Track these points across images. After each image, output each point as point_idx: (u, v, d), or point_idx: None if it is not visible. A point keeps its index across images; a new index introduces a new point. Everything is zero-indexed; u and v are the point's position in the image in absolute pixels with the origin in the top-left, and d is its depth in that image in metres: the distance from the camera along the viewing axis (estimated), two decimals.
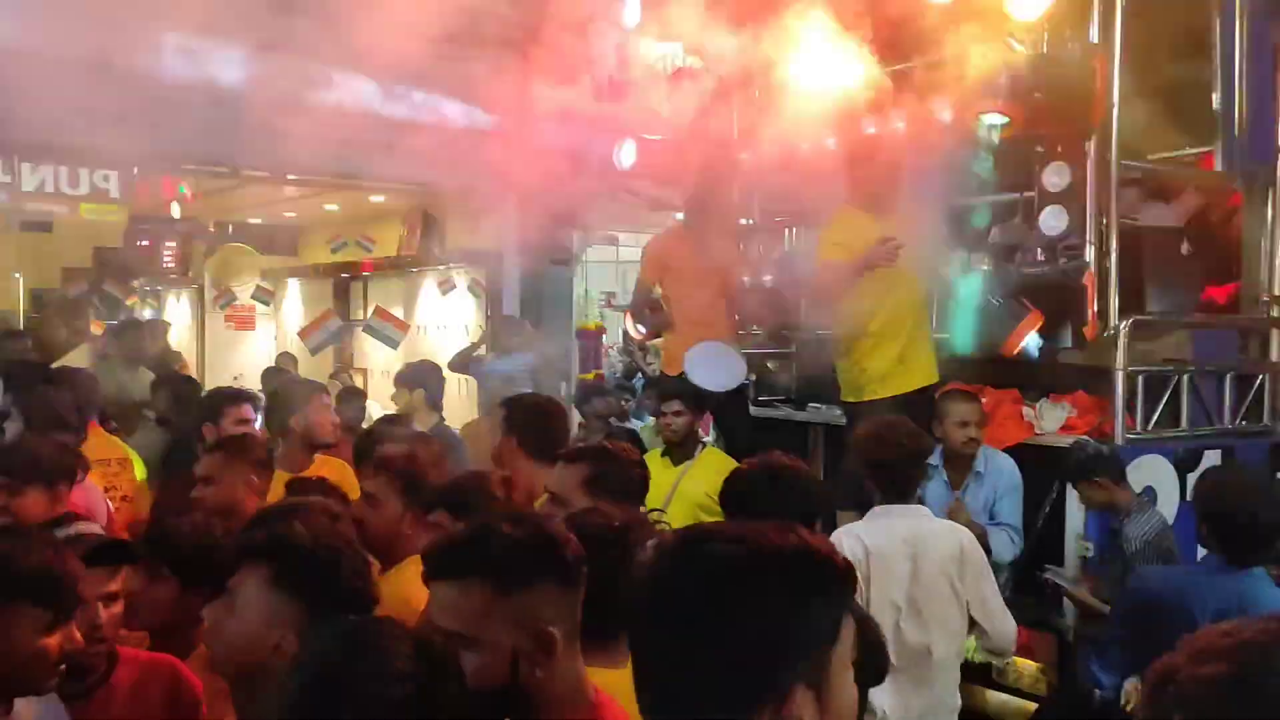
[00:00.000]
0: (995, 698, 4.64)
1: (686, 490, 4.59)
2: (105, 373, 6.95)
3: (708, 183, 5.64)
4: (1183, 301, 5.08)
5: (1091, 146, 4.45)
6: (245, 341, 11.60)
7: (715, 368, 5.37)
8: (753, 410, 6.19)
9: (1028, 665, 4.55)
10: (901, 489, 3.40)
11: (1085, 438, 4.36)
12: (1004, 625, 3.38)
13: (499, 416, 3.41)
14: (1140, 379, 4.64)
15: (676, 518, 4.34)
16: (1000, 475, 4.36)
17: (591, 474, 2.51)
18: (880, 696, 3.15)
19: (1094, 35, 4.46)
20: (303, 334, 7.69)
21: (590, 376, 8.73)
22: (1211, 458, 4.85)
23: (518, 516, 1.85)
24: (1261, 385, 5.17)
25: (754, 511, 2.57)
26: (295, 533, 1.87)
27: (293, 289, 11.57)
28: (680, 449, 4.78)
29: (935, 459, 4.43)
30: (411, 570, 2.69)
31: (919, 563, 3.28)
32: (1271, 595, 2.77)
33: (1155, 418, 4.71)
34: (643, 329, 5.89)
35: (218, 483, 3.25)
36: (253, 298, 10.67)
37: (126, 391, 6.19)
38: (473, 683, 1.57)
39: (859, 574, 3.25)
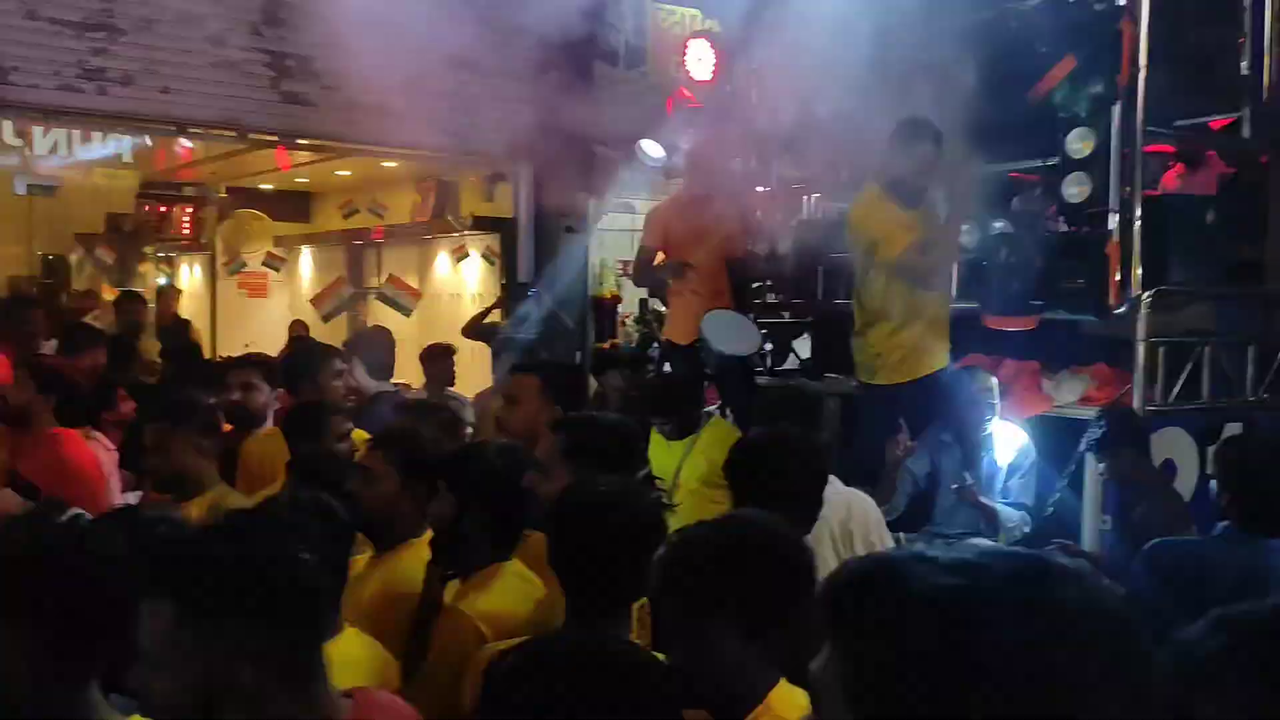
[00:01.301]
0: None
1: (694, 463, 4.54)
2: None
3: (712, 147, 5.56)
4: (1208, 272, 4.99)
5: (1116, 112, 4.34)
6: (259, 309, 11.57)
7: (730, 335, 5.32)
8: (767, 380, 6.15)
9: None
10: None
11: (1112, 406, 4.29)
12: None
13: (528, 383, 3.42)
14: (1161, 350, 4.56)
15: (684, 490, 4.32)
16: (1019, 451, 4.30)
17: (570, 444, 2.46)
18: None
19: None
20: (315, 301, 7.66)
21: (606, 346, 8.67)
22: (1233, 430, 4.78)
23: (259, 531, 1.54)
24: None
25: (759, 482, 2.52)
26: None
27: (305, 256, 11.52)
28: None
29: (947, 435, 4.39)
30: (408, 554, 2.66)
31: (818, 529, 3.20)
32: None
33: (1176, 390, 4.64)
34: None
35: (163, 452, 3.20)
36: (264, 264, 10.63)
37: None
38: (159, 716, 1.45)
39: None
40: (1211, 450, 4.58)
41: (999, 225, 4.70)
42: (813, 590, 1.64)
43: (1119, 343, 4.70)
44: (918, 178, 4.41)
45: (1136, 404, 4.48)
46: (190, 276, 13.35)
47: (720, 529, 1.80)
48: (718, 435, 4.58)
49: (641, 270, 5.84)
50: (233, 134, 7.39)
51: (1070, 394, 4.67)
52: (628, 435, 2.55)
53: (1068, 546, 4.21)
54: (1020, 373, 4.90)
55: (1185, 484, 4.60)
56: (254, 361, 4.67)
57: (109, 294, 11.27)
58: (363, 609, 2.52)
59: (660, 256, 5.62)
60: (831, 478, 3.41)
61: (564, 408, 3.32)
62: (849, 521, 3.28)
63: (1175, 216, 4.79)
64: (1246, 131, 4.90)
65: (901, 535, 4.50)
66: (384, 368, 6.11)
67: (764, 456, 2.62)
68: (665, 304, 5.88)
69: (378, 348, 6.24)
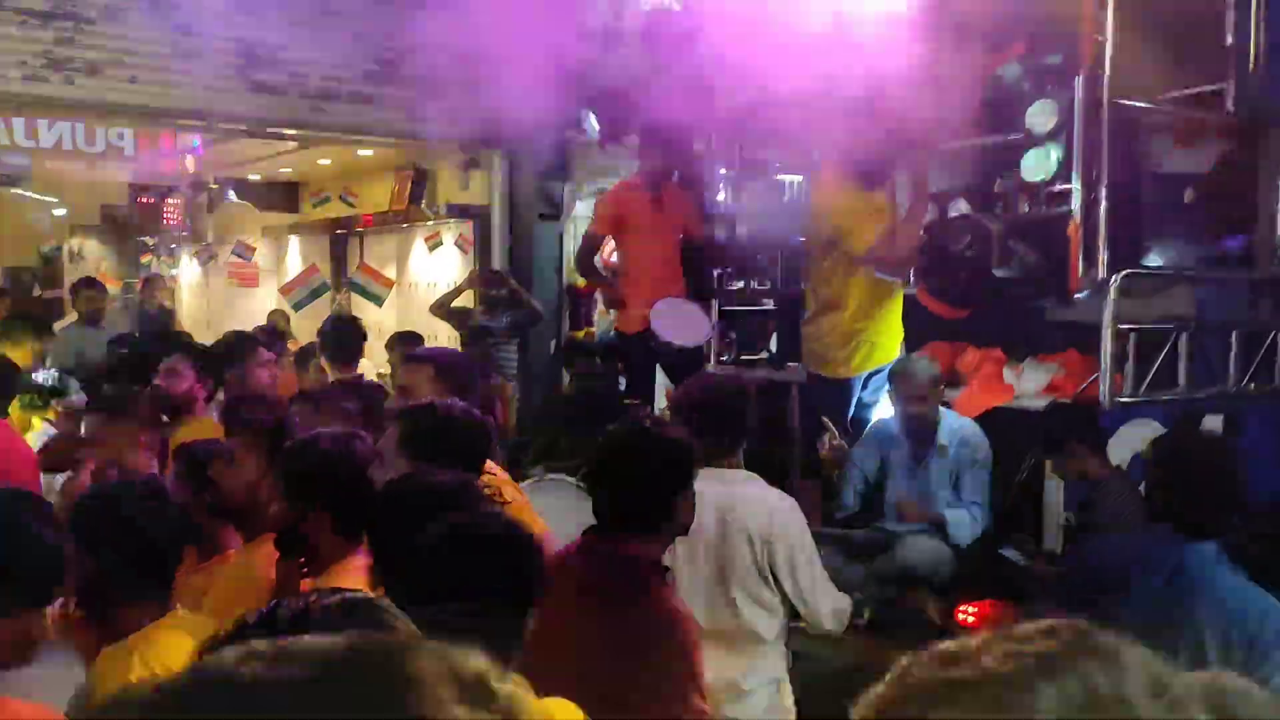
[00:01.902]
0: None
1: None
2: (70, 334, 6.87)
3: (667, 131, 5.34)
4: (1189, 254, 4.70)
5: (1080, 83, 4.06)
6: (249, 298, 11.47)
7: (682, 324, 5.14)
8: (729, 369, 5.92)
9: None
10: (718, 443, 3.13)
11: (1060, 400, 4.04)
12: (818, 604, 3.07)
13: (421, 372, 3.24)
14: (1132, 337, 4.27)
15: None
16: (965, 446, 4.06)
17: (408, 434, 2.27)
18: None
19: None
20: (284, 290, 7.50)
21: (580, 335, 8.48)
22: (1212, 422, 4.51)
23: None
24: (1274, 344, 4.78)
25: (618, 477, 2.31)
26: None
27: (293, 245, 11.41)
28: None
29: (897, 429, 4.15)
30: (267, 548, 2.49)
31: (727, 530, 3.03)
32: (1222, 572, 2.47)
33: (1149, 379, 4.35)
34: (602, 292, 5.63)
35: (101, 444, 3.08)
36: (233, 254, 10.52)
37: (84, 353, 6.05)
38: None
39: None
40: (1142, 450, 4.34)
41: (958, 205, 4.45)
42: None
43: (1092, 329, 4.43)
44: (878, 158, 4.18)
45: (1103, 394, 4.20)
46: (188, 267, 13.33)
47: None
48: None
49: (584, 260, 5.64)
50: (201, 123, 7.25)
51: (1033, 383, 4.41)
52: (472, 429, 2.35)
53: (1024, 545, 3.99)
54: (983, 361, 4.64)
55: None
56: (182, 349, 4.54)
57: (110, 284, 11.25)
58: (223, 599, 2.44)
59: (610, 245, 5.43)
60: (751, 476, 3.21)
61: (460, 397, 3.12)
62: (771, 533, 3.07)
63: (1151, 195, 4.51)
64: (1230, 105, 4.59)
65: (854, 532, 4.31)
66: (350, 355, 6.01)
67: (617, 453, 2.39)
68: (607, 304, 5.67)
69: (345, 337, 6.12)
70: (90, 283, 7.67)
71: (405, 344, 6.66)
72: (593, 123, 5.66)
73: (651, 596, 2.18)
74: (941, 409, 4.19)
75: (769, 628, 3.07)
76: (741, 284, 6.14)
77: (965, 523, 3.98)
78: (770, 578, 3.07)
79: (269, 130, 7.50)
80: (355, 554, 2.31)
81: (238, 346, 4.42)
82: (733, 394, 3.15)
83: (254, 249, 10.34)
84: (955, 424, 4.13)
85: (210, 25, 6.87)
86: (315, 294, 7.44)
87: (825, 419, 4.07)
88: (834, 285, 4.26)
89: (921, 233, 4.21)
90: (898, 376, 4.11)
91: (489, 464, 2.97)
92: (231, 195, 10.65)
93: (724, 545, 3.08)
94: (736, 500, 3.10)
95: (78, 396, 5.36)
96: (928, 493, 4.14)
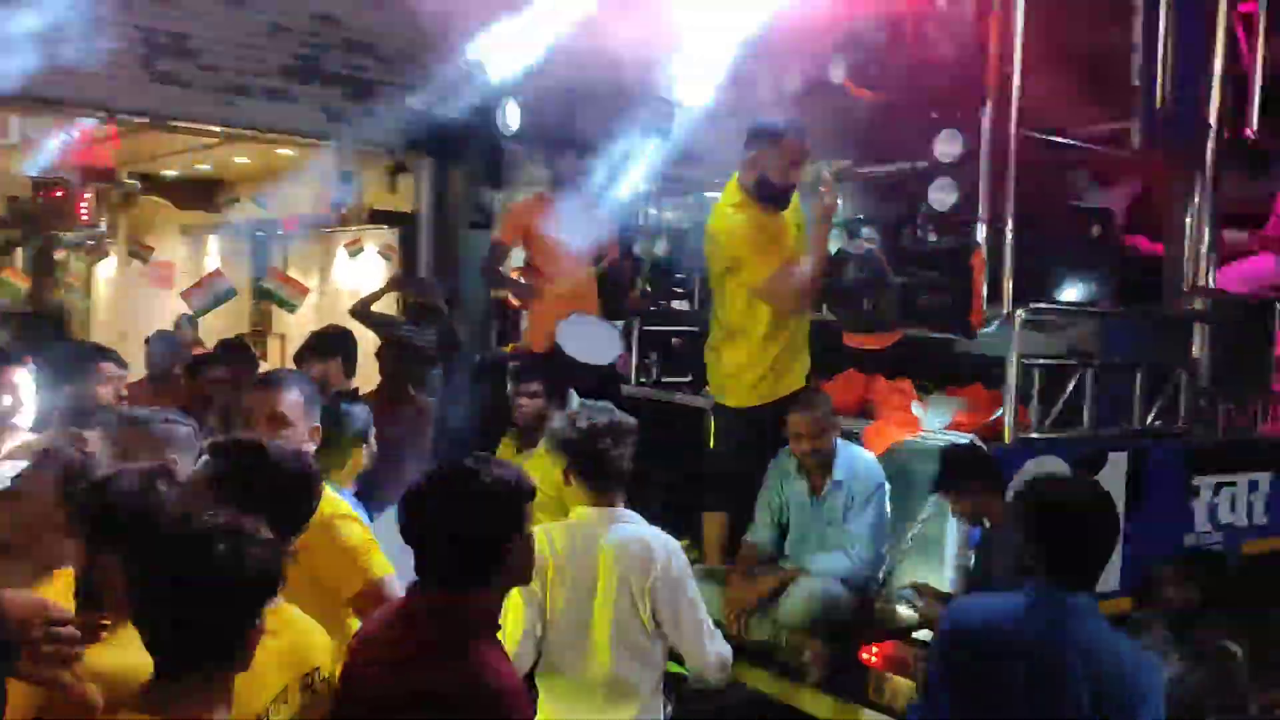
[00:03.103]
0: (871, 717, 4.28)
1: None
2: None
3: (578, 144, 5.22)
4: (1098, 288, 4.68)
5: (986, 114, 4.01)
6: (166, 299, 11.08)
7: (590, 342, 4.98)
8: (649, 394, 5.80)
9: (904, 683, 4.18)
10: (596, 483, 3.02)
11: (958, 437, 3.98)
12: (701, 651, 2.96)
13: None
14: (1037, 372, 4.23)
15: None
16: (857, 480, 3.97)
17: (213, 475, 2.09)
18: None
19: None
20: (186, 295, 7.20)
21: (509, 349, 8.28)
22: (1117, 460, 4.48)
23: None
24: (1178, 382, 4.78)
25: (437, 524, 2.14)
26: None
27: (213, 246, 11.07)
28: (529, 435, 4.39)
29: (792, 466, 4.07)
30: (51, 588, 2.25)
31: (603, 574, 2.91)
32: (1099, 627, 2.40)
33: (1054, 415, 4.31)
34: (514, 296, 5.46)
35: None
36: (130, 254, 10.15)
37: None
38: None
39: (540, 581, 2.88)
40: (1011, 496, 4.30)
41: (864, 234, 4.38)
42: None
43: (998, 364, 4.38)
44: (781, 179, 4.09)
45: (1007, 431, 4.16)
46: (107, 266, 12.88)
47: None
48: (542, 460, 4.28)
49: (490, 269, 5.46)
50: (102, 115, 6.96)
51: (939, 418, 4.34)
52: (293, 476, 2.15)
53: (921, 588, 3.90)
54: (891, 393, 4.57)
55: None
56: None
57: (17, 279, 10.79)
58: None
59: (515, 256, 5.28)
60: (631, 516, 3.08)
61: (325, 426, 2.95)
62: (652, 577, 2.93)
63: (1059, 229, 4.48)
64: (1136, 141, 4.58)
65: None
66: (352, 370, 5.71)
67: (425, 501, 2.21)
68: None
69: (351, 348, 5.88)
70: None
71: (316, 354, 6.43)
72: (509, 116, 5.47)
73: (471, 658, 2.01)
74: (840, 442, 4.10)
75: (647, 680, 2.93)
76: (661, 304, 6.07)
77: (836, 568, 3.89)
78: (651, 625, 2.94)
79: (172, 125, 7.20)
80: None
81: (73, 360, 4.05)
82: (609, 431, 3.02)
83: (151, 249, 9.97)
84: (850, 457, 4.04)
85: (112, 11, 6.62)
86: (220, 299, 7.17)
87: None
88: (735, 312, 4.14)
89: (821, 268, 4.09)
90: (788, 412, 4.01)
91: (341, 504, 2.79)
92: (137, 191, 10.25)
93: (601, 595, 2.94)
94: (615, 543, 2.97)
95: None
96: (823, 529, 4.05)
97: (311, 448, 2.95)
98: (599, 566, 2.95)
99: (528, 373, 4.51)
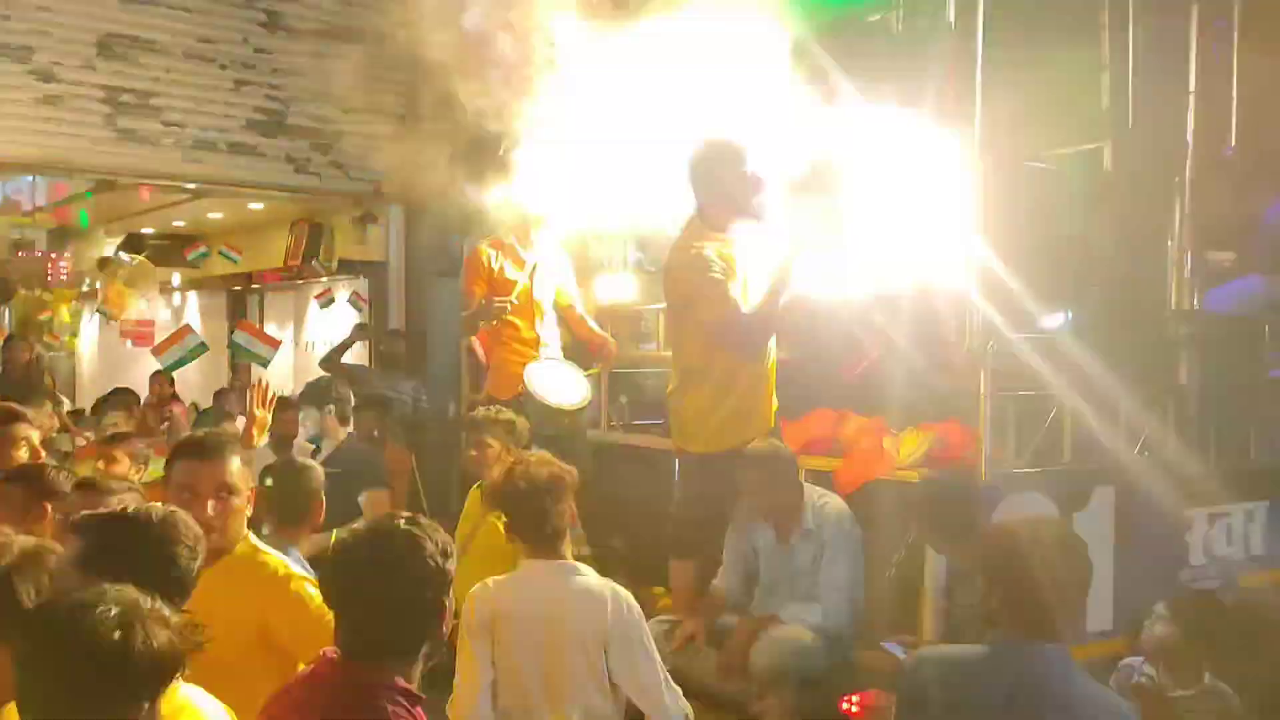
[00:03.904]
0: None
1: (487, 533, 4.03)
2: None
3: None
4: (1073, 316, 4.52)
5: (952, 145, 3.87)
6: (143, 359, 10.95)
7: (558, 384, 4.85)
8: (619, 437, 5.63)
9: None
10: (540, 537, 2.87)
11: (939, 473, 3.79)
12: (659, 705, 2.81)
13: None
14: (1012, 406, 4.06)
15: (476, 560, 3.82)
16: (828, 528, 3.78)
17: (84, 552, 1.91)
18: None
19: (951, 17, 3.89)
20: (156, 351, 7.07)
21: (481, 395, 8.13)
22: (1104, 494, 4.29)
23: None
24: (1165, 410, 4.60)
25: (361, 594, 1.95)
26: None
27: (192, 301, 10.96)
28: None
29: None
30: None
31: (554, 629, 2.76)
32: (1073, 675, 2.20)
33: (1032, 449, 4.13)
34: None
35: None
36: (98, 311, 10.04)
37: None
38: None
39: (486, 639, 2.73)
40: (1081, 518, 4.09)
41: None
42: None
43: (972, 397, 4.20)
44: (742, 192, 3.91)
45: (983, 465, 3.97)
46: (89, 325, 12.78)
47: None
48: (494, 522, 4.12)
49: (470, 320, 5.35)
50: (63, 172, 6.87)
51: (912, 454, 4.15)
52: (166, 544, 1.97)
53: (902, 640, 3.70)
54: (863, 430, 4.39)
55: None
56: None
57: None
58: None
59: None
60: (578, 568, 2.92)
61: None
62: (606, 632, 2.79)
63: (1030, 259, 4.32)
64: (1108, 163, 4.45)
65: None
66: (347, 418, 5.89)
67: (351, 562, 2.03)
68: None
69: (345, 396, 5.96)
70: None
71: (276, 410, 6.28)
72: None
73: None
74: (811, 488, 3.92)
75: None
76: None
77: (809, 617, 3.71)
78: (607, 680, 2.79)
79: (141, 181, 7.12)
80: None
81: None
82: (549, 488, 2.87)
83: (123, 308, 9.87)
84: (819, 502, 3.85)
85: (74, 70, 6.55)
86: (191, 355, 7.03)
87: None
88: (695, 354, 3.97)
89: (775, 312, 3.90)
90: (745, 467, 3.83)
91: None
92: (115, 250, 10.17)
93: (553, 652, 2.79)
94: (565, 598, 2.83)
95: None
96: (794, 577, 3.85)
97: (249, 511, 2.79)
98: (550, 620, 2.82)
99: (477, 426, 4.35)
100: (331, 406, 5.92)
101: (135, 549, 1.90)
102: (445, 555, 2.01)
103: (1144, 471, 4.42)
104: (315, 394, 6.36)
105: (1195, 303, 4.82)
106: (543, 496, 2.87)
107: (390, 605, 1.94)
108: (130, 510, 1.99)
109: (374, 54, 7.61)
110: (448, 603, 2.01)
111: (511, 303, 4.98)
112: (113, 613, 1.52)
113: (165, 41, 6.99)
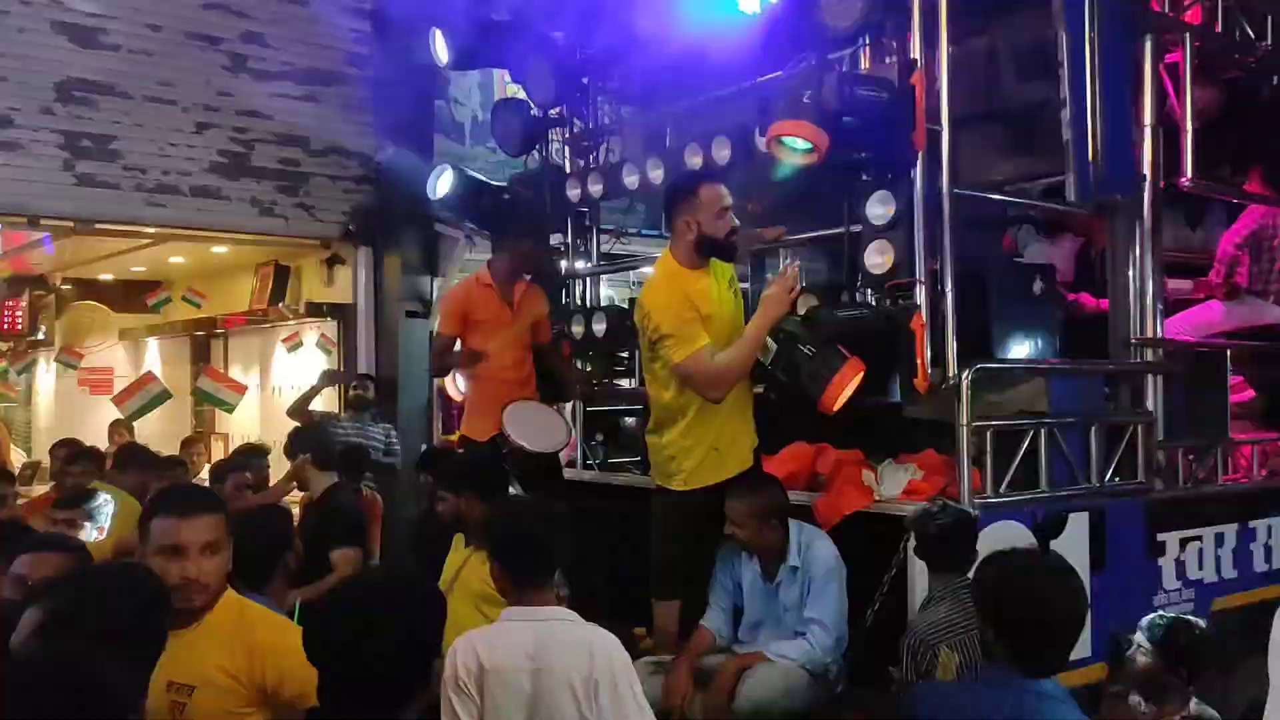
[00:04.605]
0: None
1: (467, 579, 3.97)
2: None
3: (518, 224, 5.10)
4: (1040, 346, 4.57)
5: (917, 174, 3.92)
6: (102, 407, 10.73)
7: (536, 429, 4.79)
8: (596, 477, 5.59)
9: None
10: (527, 582, 2.82)
11: (934, 500, 3.80)
12: None
13: None
14: (989, 435, 4.08)
15: (458, 606, 3.75)
16: (814, 563, 3.76)
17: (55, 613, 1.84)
18: None
19: (915, 51, 3.95)
20: (118, 400, 6.94)
21: (454, 438, 8.06)
22: (1078, 520, 4.31)
23: None
24: (1134, 436, 4.65)
25: (356, 645, 1.91)
26: None
27: (152, 348, 10.78)
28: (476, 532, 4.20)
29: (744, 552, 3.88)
30: None
31: (541, 680, 2.69)
32: (1065, 712, 2.19)
33: (1009, 478, 4.16)
34: (461, 385, 5.27)
35: None
36: (57, 360, 9.86)
37: None
38: None
39: (470, 694, 2.66)
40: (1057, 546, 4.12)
41: (804, 301, 4.25)
42: None
43: (948, 427, 4.23)
44: (714, 230, 3.91)
45: (963, 495, 3.99)
46: (46, 373, 12.51)
47: None
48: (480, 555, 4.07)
49: (437, 362, 5.31)
50: (22, 220, 6.76)
51: (894, 486, 4.17)
52: (136, 591, 1.91)
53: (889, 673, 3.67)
54: (842, 463, 4.40)
55: None
56: None
57: None
58: None
59: (458, 345, 5.08)
60: (564, 613, 2.87)
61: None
62: (594, 678, 2.72)
63: (998, 287, 4.39)
64: (1071, 195, 4.52)
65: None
66: (328, 463, 5.48)
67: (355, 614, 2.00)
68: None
69: (325, 441, 5.70)
70: None
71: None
72: (439, 46, 5.28)
73: None
74: (795, 524, 3.90)
75: None
76: (605, 382, 5.90)
77: (796, 654, 3.67)
78: None
79: (98, 229, 7.03)
80: None
81: None
82: (538, 521, 2.82)
83: (81, 355, 9.69)
84: (806, 541, 3.84)
85: (31, 116, 6.48)
86: (154, 403, 6.90)
87: None
88: (670, 390, 3.95)
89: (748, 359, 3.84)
90: (727, 499, 3.82)
91: None
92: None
93: (540, 701, 2.71)
94: (551, 644, 2.75)
95: None
96: (780, 613, 3.83)
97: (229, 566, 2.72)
98: (536, 672, 2.73)
99: (447, 476, 4.30)
100: (309, 453, 5.72)
101: (107, 611, 1.84)
102: (435, 605, 1.97)
103: (1117, 497, 4.48)
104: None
105: (1158, 330, 4.90)
106: (533, 541, 2.82)
107: (381, 655, 1.89)
108: (93, 570, 1.93)
109: (340, 94, 7.66)
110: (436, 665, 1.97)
111: (486, 353, 4.94)
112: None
113: (126, 85, 6.93)
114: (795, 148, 3.66)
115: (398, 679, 1.90)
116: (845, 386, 3.75)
